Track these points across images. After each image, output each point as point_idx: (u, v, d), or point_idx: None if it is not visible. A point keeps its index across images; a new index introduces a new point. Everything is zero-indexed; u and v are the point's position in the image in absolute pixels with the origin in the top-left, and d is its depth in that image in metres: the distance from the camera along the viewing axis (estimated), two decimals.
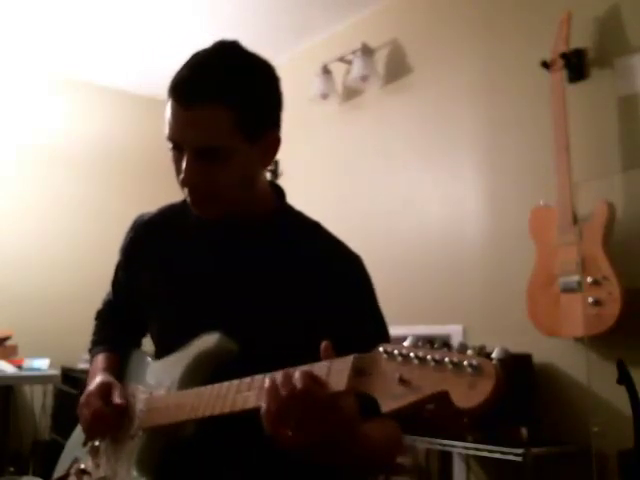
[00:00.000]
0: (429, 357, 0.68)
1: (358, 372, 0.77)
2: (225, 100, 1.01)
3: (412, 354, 0.70)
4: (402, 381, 0.70)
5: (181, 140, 1.03)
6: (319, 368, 0.82)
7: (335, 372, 0.80)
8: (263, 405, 0.83)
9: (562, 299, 2.35)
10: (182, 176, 1.04)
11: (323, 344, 0.84)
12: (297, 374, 0.82)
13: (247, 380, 0.91)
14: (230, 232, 1.15)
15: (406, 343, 0.73)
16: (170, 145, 1.06)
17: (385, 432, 0.99)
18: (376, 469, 1.07)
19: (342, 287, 1.10)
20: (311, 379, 0.81)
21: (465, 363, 0.65)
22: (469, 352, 0.66)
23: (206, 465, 1.09)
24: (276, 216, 1.17)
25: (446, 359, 0.66)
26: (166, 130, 1.05)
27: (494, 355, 0.65)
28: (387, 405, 0.72)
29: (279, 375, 0.83)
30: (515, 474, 2.36)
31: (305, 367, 0.83)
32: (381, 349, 0.75)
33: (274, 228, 1.15)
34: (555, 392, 2.52)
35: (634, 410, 2.06)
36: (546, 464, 2.32)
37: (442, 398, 0.66)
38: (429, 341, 0.71)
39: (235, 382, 0.93)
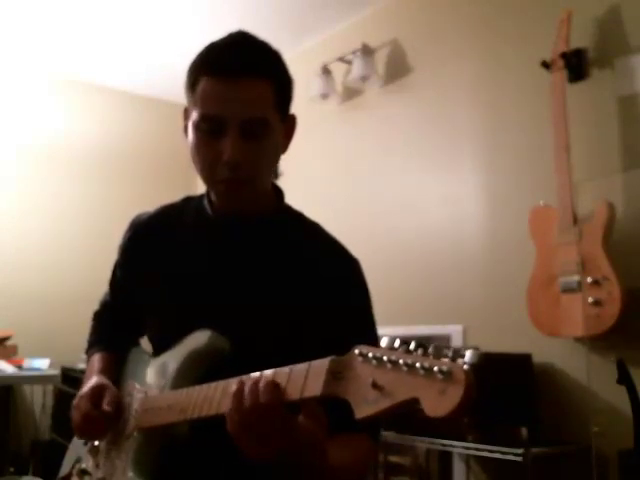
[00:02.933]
0: (401, 361, 0.66)
1: (334, 376, 0.74)
2: (269, 74, 1.06)
3: (385, 357, 0.68)
4: (375, 386, 0.68)
5: (228, 113, 1.02)
6: (298, 371, 0.80)
7: (312, 375, 0.77)
8: (227, 411, 0.83)
9: (562, 299, 2.34)
10: (227, 154, 1.02)
11: None
12: (262, 386, 0.81)
13: (234, 382, 0.89)
14: (229, 231, 1.15)
15: (382, 344, 0.70)
16: (204, 126, 1.04)
17: (353, 451, 0.99)
18: None
19: (339, 288, 1.10)
20: (276, 394, 0.80)
21: (435, 369, 0.62)
22: (451, 352, 0.64)
23: (202, 465, 1.08)
24: (276, 216, 1.17)
25: (417, 364, 0.64)
26: (202, 110, 1.03)
27: (466, 359, 0.62)
28: (361, 412, 0.69)
29: (247, 383, 0.83)
30: (515, 474, 2.36)
31: (285, 369, 0.82)
32: (357, 351, 0.72)
33: (274, 228, 1.15)
34: (555, 392, 2.52)
35: (634, 410, 2.05)
36: (546, 464, 2.31)
37: (416, 404, 0.64)
38: (405, 342, 0.68)
39: (222, 383, 0.91)
